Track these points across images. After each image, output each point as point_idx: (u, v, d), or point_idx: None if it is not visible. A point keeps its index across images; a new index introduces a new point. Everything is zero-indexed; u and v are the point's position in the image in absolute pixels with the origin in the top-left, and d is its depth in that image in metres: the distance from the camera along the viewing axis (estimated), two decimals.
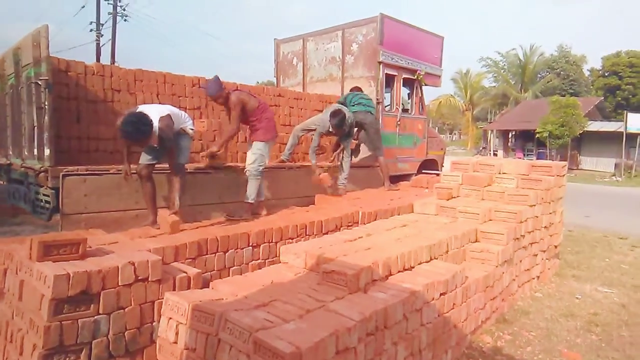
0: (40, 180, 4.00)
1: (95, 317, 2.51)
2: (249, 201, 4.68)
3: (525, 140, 30.35)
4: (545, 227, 5.11)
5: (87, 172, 4.02)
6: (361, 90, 6.90)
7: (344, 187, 6.16)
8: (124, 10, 22.61)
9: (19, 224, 6.33)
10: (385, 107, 7.67)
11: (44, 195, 4.03)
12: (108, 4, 22.30)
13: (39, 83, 3.83)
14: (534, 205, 4.77)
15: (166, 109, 4.06)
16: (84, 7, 22.37)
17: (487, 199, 4.99)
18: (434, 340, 3.11)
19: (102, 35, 22.09)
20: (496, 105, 42.11)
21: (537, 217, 4.86)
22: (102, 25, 21.94)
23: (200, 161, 5.08)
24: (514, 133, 32.22)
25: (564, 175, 5.52)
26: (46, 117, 3.86)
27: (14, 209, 5.77)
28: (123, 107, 4.90)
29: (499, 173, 5.26)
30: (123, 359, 2.64)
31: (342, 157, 6.33)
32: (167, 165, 4.10)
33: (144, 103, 4.57)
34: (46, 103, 3.85)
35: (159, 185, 4.17)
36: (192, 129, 4.40)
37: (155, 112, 3.85)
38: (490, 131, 35.04)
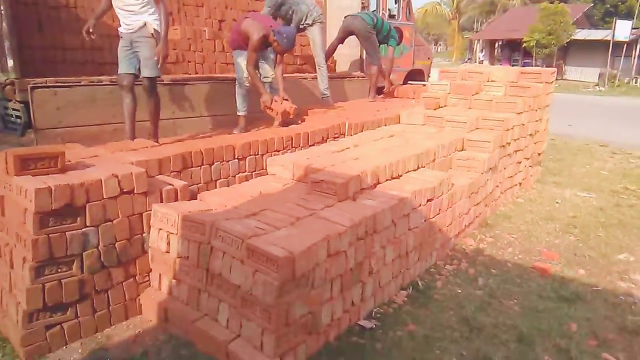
0: (8, 94, 3.76)
1: (83, 229, 2.47)
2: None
3: (512, 50, 29.78)
4: (530, 134, 5.13)
5: (57, 84, 3.77)
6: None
7: (327, 97, 5.97)
8: None
9: None
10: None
11: (13, 110, 3.81)
12: None
13: None
14: (521, 113, 4.74)
15: None
16: None
17: (474, 107, 4.93)
18: (420, 244, 3.21)
19: None
20: (483, 14, 40.53)
21: (523, 124, 4.85)
22: None
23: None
24: (500, 43, 31.46)
25: (552, 82, 5.44)
26: (4, 24, 3.53)
27: None
28: (88, 13, 4.51)
29: (488, 81, 5.15)
30: (116, 269, 2.66)
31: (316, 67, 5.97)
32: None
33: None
34: (2, 8, 3.49)
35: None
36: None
37: None
38: (476, 41, 34.11)
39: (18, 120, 3.81)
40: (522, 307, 2.95)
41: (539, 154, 5.63)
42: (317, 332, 2.45)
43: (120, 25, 3.70)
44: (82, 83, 3.93)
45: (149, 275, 2.84)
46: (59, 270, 2.44)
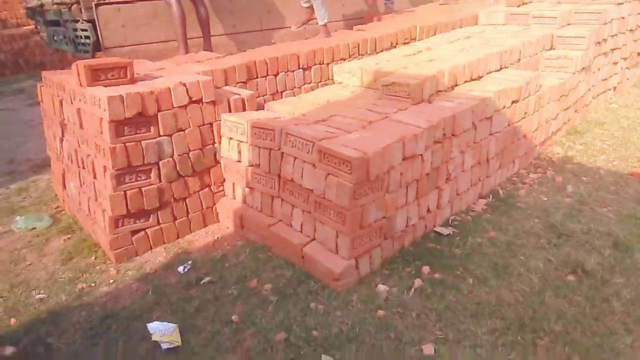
0: (75, 14, 3.78)
1: (157, 138, 2.50)
2: (323, 22, 4.15)
3: None
4: (630, 30, 4.46)
5: (120, 0, 3.72)
6: None
7: (391, 5, 5.49)
8: None
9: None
10: None
11: (81, 30, 3.85)
12: None
13: None
14: (622, 3, 4.09)
15: None
16: None
17: (565, 1, 4.33)
18: (502, 150, 2.97)
19: None
20: None
21: (623, 18, 4.21)
22: None
23: None
24: None
25: None
26: None
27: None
28: None
29: None
30: (191, 178, 2.71)
31: None
32: None
33: None
34: None
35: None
36: None
37: None
38: None
39: (87, 41, 3.85)
40: (618, 214, 2.69)
41: (638, 54, 4.93)
42: (392, 237, 2.38)
43: None
44: None
45: (223, 185, 2.87)
46: (139, 178, 2.51)
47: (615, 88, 4.62)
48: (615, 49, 4.30)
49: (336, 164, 2.10)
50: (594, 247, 2.40)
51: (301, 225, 2.39)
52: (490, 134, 2.84)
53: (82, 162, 2.74)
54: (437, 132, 2.43)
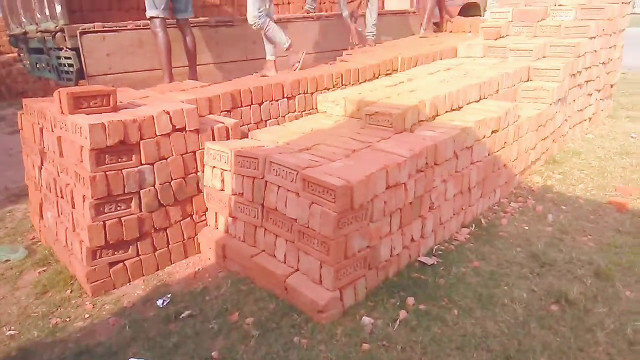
0: (59, 43, 3.77)
1: (139, 167, 2.46)
2: (269, 59, 4.08)
3: None
4: (603, 63, 4.64)
5: (105, 29, 3.74)
6: None
7: (373, 38, 5.58)
8: None
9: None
10: None
11: (65, 58, 3.83)
12: None
13: None
14: (594, 38, 4.27)
15: None
16: None
17: (541, 35, 4.49)
18: (484, 179, 3.01)
19: None
20: None
21: (596, 51, 4.38)
22: None
23: None
24: None
25: (629, 2, 4.84)
26: None
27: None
28: None
29: (555, 5, 4.65)
30: (173, 208, 2.67)
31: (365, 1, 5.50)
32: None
33: None
34: None
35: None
36: None
37: None
38: None
39: (71, 69, 3.83)
40: (599, 243, 2.72)
41: (612, 86, 5.12)
42: (377, 267, 2.36)
43: None
44: (129, 27, 3.88)
45: (205, 215, 2.83)
46: (119, 208, 2.46)
47: (590, 119, 4.77)
48: (589, 81, 4.45)
49: (320, 192, 2.09)
50: (577, 276, 2.41)
51: (285, 255, 2.35)
52: (472, 164, 2.88)
53: (61, 192, 2.68)
54: (420, 161, 2.45)
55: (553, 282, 2.37)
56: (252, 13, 3.81)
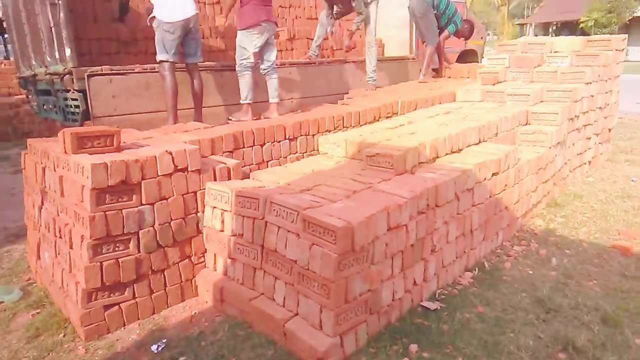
0: (66, 84, 3.86)
1: (139, 207, 2.46)
2: (243, 102, 4.20)
3: (569, 33, 28.11)
4: (600, 107, 4.72)
5: (112, 72, 3.84)
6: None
7: (373, 83, 5.72)
8: None
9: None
10: None
11: (72, 100, 3.92)
12: None
13: None
14: (590, 83, 4.36)
15: None
16: None
17: (537, 80, 4.59)
18: (485, 221, 2.98)
19: None
20: None
21: (592, 96, 4.46)
22: None
23: None
24: (554, 28, 29.77)
25: (623, 49, 4.98)
26: (61, 14, 3.61)
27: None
28: (140, 3, 4.58)
29: (551, 52, 4.78)
30: (172, 249, 2.64)
31: (365, 47, 5.69)
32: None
33: None
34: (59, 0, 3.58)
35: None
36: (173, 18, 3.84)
37: None
38: (528, 26, 32.52)
39: (77, 110, 3.91)
40: (604, 288, 2.67)
41: (609, 130, 5.18)
42: (378, 312, 2.30)
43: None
44: (135, 70, 3.98)
45: (204, 256, 2.79)
46: (116, 248, 2.43)
47: (590, 162, 4.79)
48: (587, 125, 4.51)
49: (320, 233, 2.07)
50: (583, 322, 2.34)
51: (284, 299, 2.30)
52: (473, 205, 2.87)
53: (60, 231, 2.66)
54: (420, 202, 2.45)
55: (559, 329, 2.30)
56: (236, 60, 4.21)
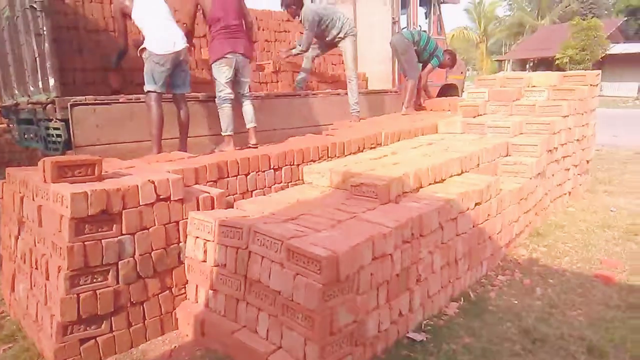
0: (49, 114, 3.83)
1: (119, 237, 2.40)
2: (224, 134, 4.30)
3: (545, 70, 29.21)
4: (578, 140, 4.85)
5: (96, 101, 3.83)
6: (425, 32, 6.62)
7: (357, 114, 5.80)
8: None
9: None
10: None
11: (54, 129, 3.87)
12: None
13: (34, 6, 3.56)
14: (567, 116, 4.49)
15: None
16: None
17: (516, 113, 4.71)
18: (469, 251, 2.99)
19: None
20: (511, 36, 40.22)
21: (570, 129, 4.59)
22: None
23: None
24: (531, 64, 30.91)
25: (597, 84, 5.17)
26: (46, 44, 3.62)
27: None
28: (128, 36, 4.61)
29: (528, 86, 4.94)
30: (152, 280, 2.57)
31: (346, 80, 5.85)
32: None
33: None
34: (44, 28, 3.59)
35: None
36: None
37: None
38: (506, 62, 33.69)
39: (58, 139, 3.86)
40: (589, 317, 2.67)
41: (588, 161, 5.31)
42: (364, 344, 2.25)
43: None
44: (120, 100, 3.98)
45: (185, 288, 2.73)
46: (94, 280, 2.36)
47: (570, 193, 4.88)
48: (566, 157, 4.62)
49: (305, 263, 2.05)
50: (569, 352, 2.33)
51: (267, 331, 2.25)
52: (457, 235, 2.88)
53: (36, 262, 2.58)
54: (405, 231, 2.45)
55: (545, 359, 2.28)
56: (216, 93, 4.35)
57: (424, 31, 6.64)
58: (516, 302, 2.87)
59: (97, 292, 2.35)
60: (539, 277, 3.21)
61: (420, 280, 2.59)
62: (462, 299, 2.90)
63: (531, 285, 3.08)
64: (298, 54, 5.71)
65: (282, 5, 5.48)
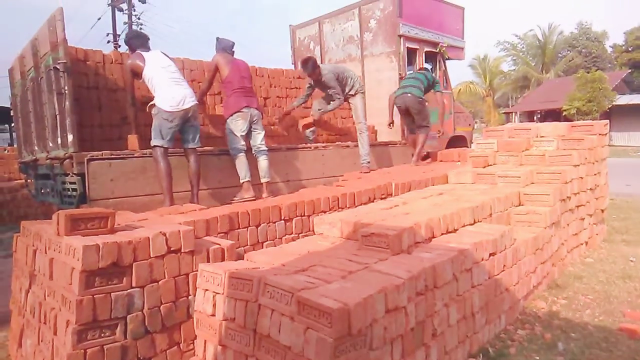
0: (66, 168, 3.93)
1: (129, 290, 2.38)
2: (243, 180, 4.54)
3: (553, 121, 29.48)
4: (590, 189, 4.80)
5: (112, 156, 3.93)
6: (425, 69, 6.76)
7: (367, 165, 5.91)
8: (139, 19, 22.91)
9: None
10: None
11: (70, 183, 3.95)
12: (123, 14, 22.61)
13: (58, 67, 3.75)
14: (578, 165, 4.49)
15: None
16: (99, 19, 22.69)
17: (526, 163, 4.73)
18: (486, 303, 2.90)
19: (119, 46, 22.26)
20: (517, 89, 41.05)
21: (582, 178, 4.57)
22: (119, 36, 22.12)
23: None
24: (539, 115, 31.28)
25: (606, 134, 5.19)
26: (67, 102, 3.78)
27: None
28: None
29: (537, 137, 4.98)
30: (160, 335, 2.51)
31: (357, 133, 6.04)
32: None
33: None
34: (66, 88, 3.76)
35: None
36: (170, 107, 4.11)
37: None
38: (513, 114, 34.14)
39: (74, 193, 3.93)
40: None
41: (602, 211, 5.23)
42: None
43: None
44: (135, 155, 4.09)
45: (193, 343, 2.66)
46: (102, 335, 2.32)
47: (587, 242, 4.78)
48: (580, 206, 4.56)
49: (315, 316, 1.99)
50: None
51: None
52: (473, 287, 2.81)
53: (45, 316, 2.55)
54: (418, 282, 2.39)
55: None
56: (229, 146, 4.66)
57: (420, 70, 6.81)
58: (538, 358, 2.74)
59: (105, 347, 2.30)
60: (560, 331, 3.08)
61: (436, 335, 2.50)
62: (480, 355, 2.78)
63: (552, 339, 2.95)
64: (330, 110, 5.96)
65: (304, 71, 5.70)
